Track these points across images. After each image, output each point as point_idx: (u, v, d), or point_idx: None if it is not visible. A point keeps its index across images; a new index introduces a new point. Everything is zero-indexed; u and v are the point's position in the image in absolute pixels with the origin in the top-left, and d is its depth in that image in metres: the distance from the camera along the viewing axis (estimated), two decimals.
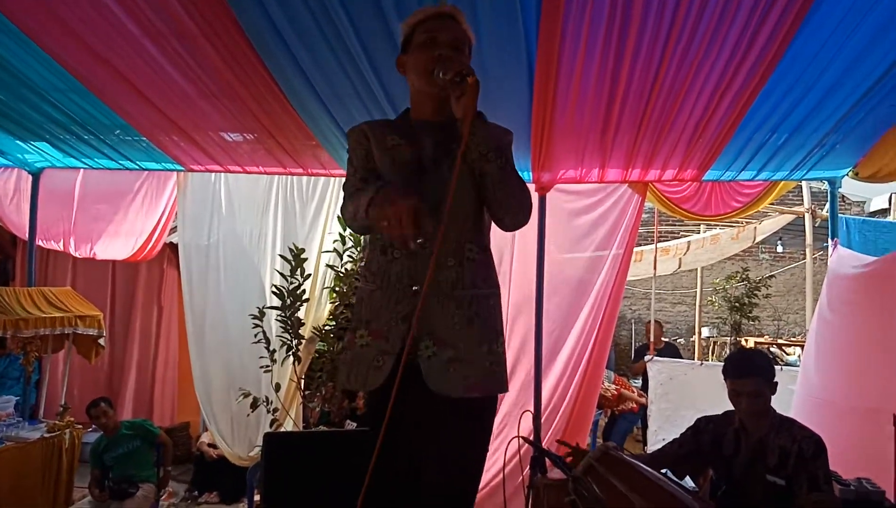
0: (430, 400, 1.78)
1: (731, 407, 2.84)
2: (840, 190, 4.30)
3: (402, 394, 1.68)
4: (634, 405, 6.88)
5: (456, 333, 1.79)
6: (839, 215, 4.47)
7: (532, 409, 4.10)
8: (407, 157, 1.85)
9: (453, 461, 1.81)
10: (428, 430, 1.83)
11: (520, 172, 1.91)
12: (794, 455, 2.51)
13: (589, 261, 4.63)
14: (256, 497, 3.43)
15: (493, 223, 1.92)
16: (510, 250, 4.59)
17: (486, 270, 1.85)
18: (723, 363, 2.83)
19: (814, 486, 2.45)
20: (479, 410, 1.83)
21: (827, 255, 3.95)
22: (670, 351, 7.32)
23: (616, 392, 6.66)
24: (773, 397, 2.70)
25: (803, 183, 7.58)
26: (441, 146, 1.84)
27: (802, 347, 3.61)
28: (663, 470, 3.04)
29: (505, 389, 1.85)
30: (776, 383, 2.67)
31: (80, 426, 4.75)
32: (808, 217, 7.78)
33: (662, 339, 6.65)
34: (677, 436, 2.96)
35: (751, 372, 2.66)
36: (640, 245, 9.15)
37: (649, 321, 7.15)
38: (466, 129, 1.67)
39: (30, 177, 4.77)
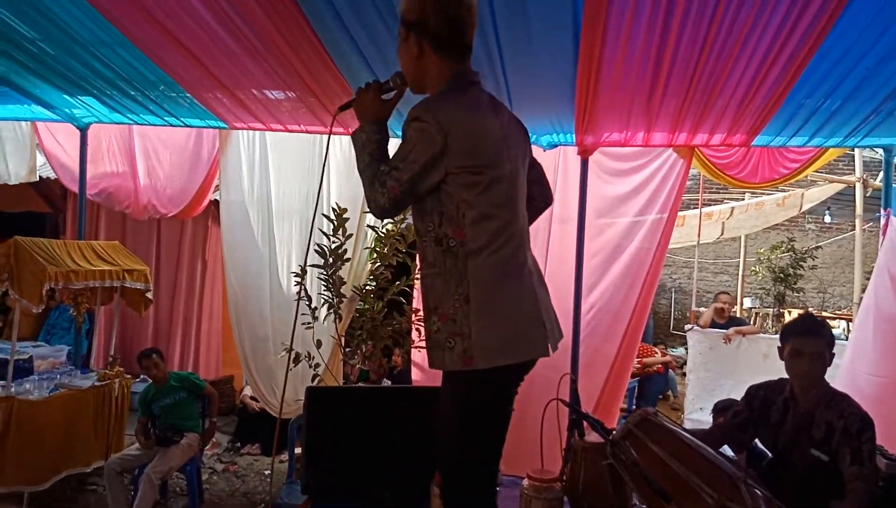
0: None
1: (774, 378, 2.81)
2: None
3: None
4: (660, 366, 6.84)
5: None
6: (893, 185, 4.31)
7: (570, 373, 4.11)
8: None
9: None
10: None
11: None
12: (839, 431, 2.46)
13: (629, 226, 4.57)
14: (297, 449, 3.52)
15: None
16: (548, 216, 4.54)
17: (423, 252, 1.93)
18: (783, 327, 2.80)
19: (856, 460, 2.40)
20: (442, 382, 1.92)
21: (878, 226, 3.81)
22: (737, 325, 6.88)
23: (639, 364, 6.60)
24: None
25: (856, 151, 7.34)
26: None
27: (848, 320, 3.52)
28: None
29: (438, 365, 1.86)
30: (833, 354, 2.61)
31: (129, 377, 4.92)
32: (858, 187, 7.51)
33: (726, 313, 6.42)
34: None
35: (817, 333, 2.61)
36: (682, 210, 8.99)
37: (720, 293, 6.90)
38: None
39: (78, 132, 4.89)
